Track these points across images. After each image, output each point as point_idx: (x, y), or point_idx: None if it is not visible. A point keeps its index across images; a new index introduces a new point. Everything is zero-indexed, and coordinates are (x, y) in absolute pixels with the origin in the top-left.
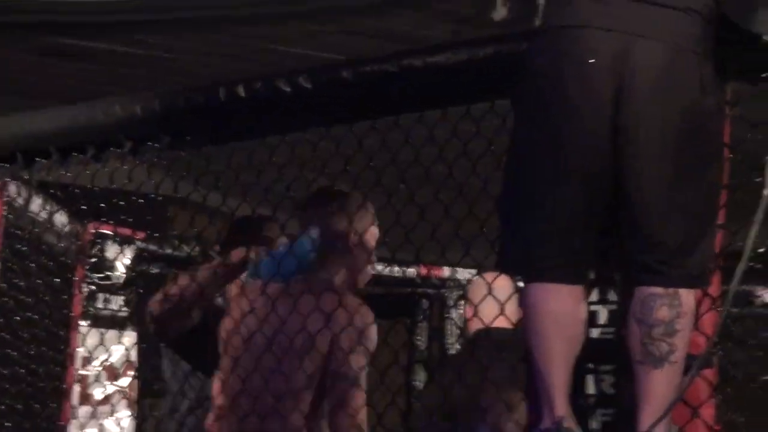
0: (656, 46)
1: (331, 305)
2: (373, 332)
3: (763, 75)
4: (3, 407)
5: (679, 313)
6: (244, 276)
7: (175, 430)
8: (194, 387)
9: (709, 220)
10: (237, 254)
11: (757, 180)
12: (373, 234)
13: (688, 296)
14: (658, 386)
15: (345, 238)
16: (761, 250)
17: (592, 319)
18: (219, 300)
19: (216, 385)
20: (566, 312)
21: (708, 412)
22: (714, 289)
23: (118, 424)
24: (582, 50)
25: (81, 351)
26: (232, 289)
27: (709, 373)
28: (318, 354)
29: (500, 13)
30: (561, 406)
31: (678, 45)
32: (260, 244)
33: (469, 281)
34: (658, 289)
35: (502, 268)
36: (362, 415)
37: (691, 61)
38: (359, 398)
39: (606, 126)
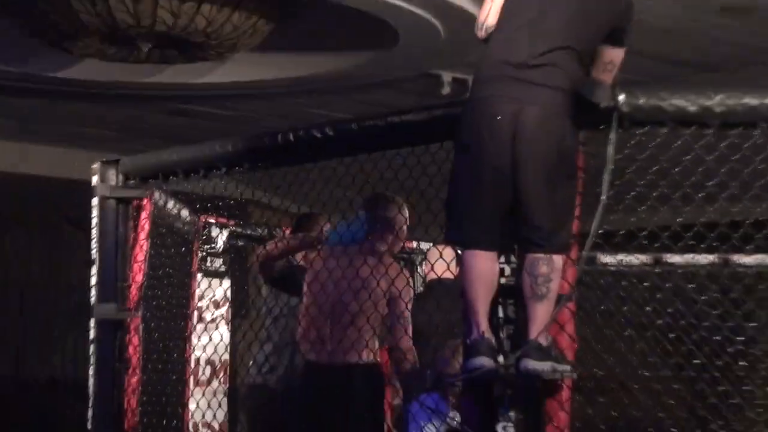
0: (536, 109)
1: (375, 262)
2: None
3: (600, 127)
4: (154, 323)
5: (552, 269)
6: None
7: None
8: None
9: (569, 213)
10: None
11: (597, 190)
12: (401, 221)
13: (558, 259)
14: (540, 313)
15: (384, 222)
16: (600, 231)
17: (501, 272)
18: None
19: (302, 311)
20: (485, 268)
21: (570, 328)
22: (574, 254)
23: (221, 335)
24: (492, 111)
25: (198, 291)
26: (311, 253)
27: (570, 305)
28: (372, 294)
29: (446, 90)
30: (483, 324)
31: (550, 108)
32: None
33: (428, 250)
34: (540, 255)
35: (447, 242)
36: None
37: (557, 118)
38: (408, 332)
39: (507, 155)
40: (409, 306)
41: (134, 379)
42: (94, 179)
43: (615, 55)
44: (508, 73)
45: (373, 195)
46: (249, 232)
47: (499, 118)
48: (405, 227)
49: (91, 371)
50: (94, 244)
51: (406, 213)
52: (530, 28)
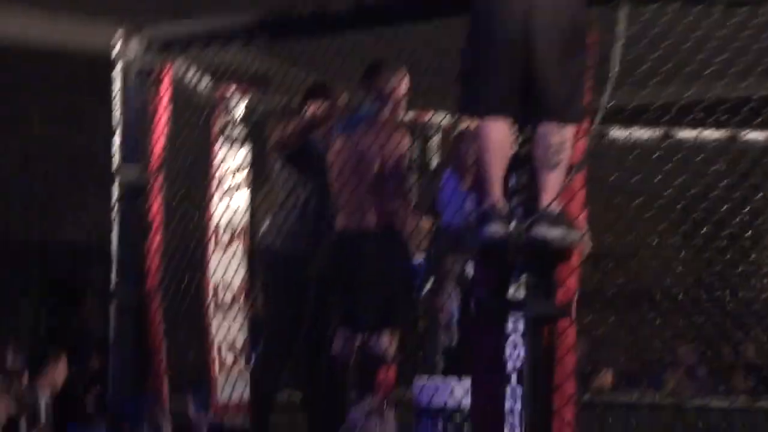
0: None
1: (389, 132)
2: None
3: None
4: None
5: (564, 139)
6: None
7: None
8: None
9: (582, 85)
10: (314, 110)
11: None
12: (403, 88)
13: (570, 130)
14: (552, 181)
15: (388, 97)
16: (610, 104)
17: (515, 141)
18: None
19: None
20: (500, 137)
21: (580, 196)
22: (585, 126)
23: (240, 200)
24: None
25: (217, 159)
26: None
27: (581, 175)
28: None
29: None
30: (497, 192)
31: None
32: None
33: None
34: (553, 124)
35: (462, 111)
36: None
37: None
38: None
39: (521, 25)
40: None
41: (157, 239)
42: (117, 47)
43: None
44: None
45: (369, 66)
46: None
47: None
48: (403, 95)
49: (114, 231)
50: (116, 111)
51: (404, 80)
52: None
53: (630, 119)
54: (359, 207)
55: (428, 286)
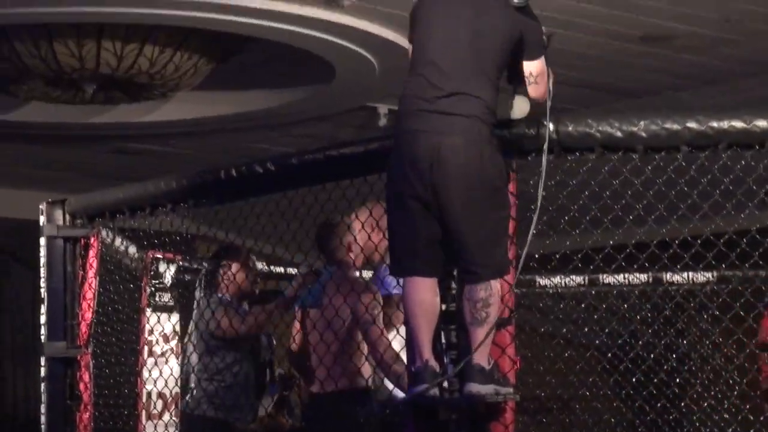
0: (454, 138)
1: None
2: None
3: (530, 155)
4: (105, 359)
5: (490, 294)
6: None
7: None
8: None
9: (501, 238)
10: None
11: (530, 215)
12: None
13: (495, 283)
14: (480, 337)
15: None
16: (536, 255)
17: (445, 299)
18: None
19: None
20: (425, 297)
21: (510, 351)
22: (511, 278)
23: (171, 368)
24: (411, 146)
25: (147, 326)
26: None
27: (510, 328)
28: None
29: (383, 122)
30: (426, 352)
31: (466, 136)
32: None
33: None
34: (473, 280)
35: (392, 274)
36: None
37: (474, 145)
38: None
39: (427, 184)
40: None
41: (86, 416)
42: (42, 219)
43: (533, 67)
44: (424, 107)
45: (318, 228)
46: (195, 266)
47: (417, 151)
48: (356, 242)
49: (42, 409)
50: (42, 283)
51: (348, 227)
52: (439, 60)
53: (557, 267)
54: (332, 370)
55: None
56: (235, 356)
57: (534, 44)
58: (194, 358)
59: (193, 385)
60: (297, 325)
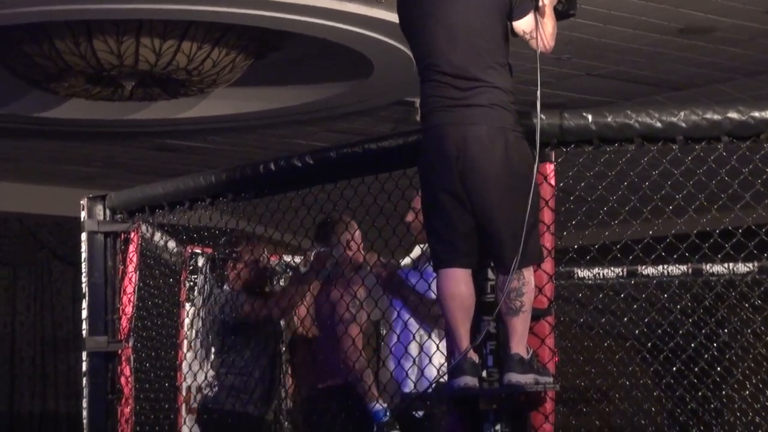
0: (478, 128)
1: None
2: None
3: (570, 146)
4: (145, 353)
5: (523, 283)
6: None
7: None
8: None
9: (531, 225)
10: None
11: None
12: (352, 245)
13: (527, 272)
14: (517, 326)
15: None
16: (575, 246)
17: (484, 290)
18: None
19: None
20: (460, 288)
21: (550, 341)
22: (550, 269)
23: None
24: (441, 137)
25: (186, 320)
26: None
27: (550, 319)
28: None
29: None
30: (464, 343)
31: (489, 125)
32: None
33: None
34: (506, 270)
35: (434, 267)
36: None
37: (499, 133)
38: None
39: (456, 176)
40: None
41: (127, 409)
42: (83, 215)
43: (523, 25)
44: (446, 103)
45: (317, 226)
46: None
47: (444, 144)
48: (353, 242)
49: (84, 403)
50: (84, 278)
51: (352, 229)
52: (447, 61)
53: (596, 259)
54: (318, 364)
55: None
56: (253, 348)
57: (519, 3)
58: (205, 353)
59: (210, 380)
60: (303, 309)
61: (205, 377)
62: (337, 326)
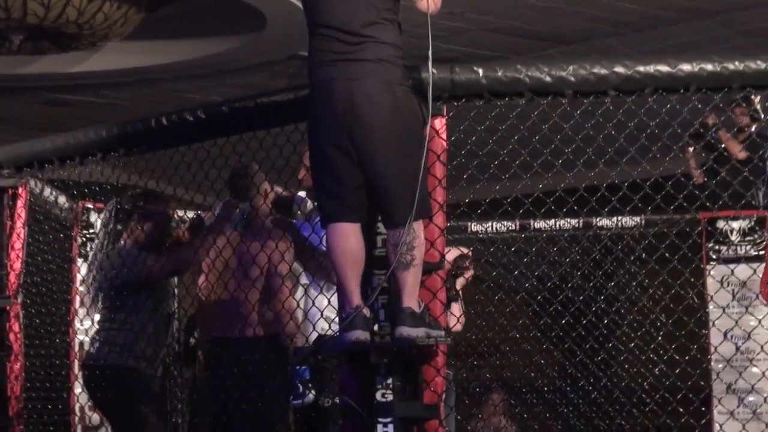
0: (365, 82)
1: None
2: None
3: (462, 100)
4: (35, 309)
5: (414, 237)
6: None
7: None
8: None
9: (420, 181)
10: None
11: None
12: (269, 194)
13: (418, 226)
14: (409, 280)
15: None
16: (467, 201)
17: (374, 244)
18: None
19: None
20: (349, 242)
21: (442, 295)
22: (441, 223)
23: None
24: (327, 92)
25: (78, 276)
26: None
27: (441, 272)
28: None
29: None
30: (355, 297)
31: (376, 79)
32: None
33: None
34: (395, 224)
35: (322, 222)
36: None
37: (386, 87)
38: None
39: (343, 131)
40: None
41: (17, 366)
42: None
43: None
44: (333, 57)
45: (231, 173)
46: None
47: (331, 99)
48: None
49: None
50: None
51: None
52: (336, 17)
53: (487, 213)
54: (237, 314)
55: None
56: (140, 304)
57: None
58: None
59: (93, 335)
60: (207, 262)
61: (91, 332)
62: (272, 278)
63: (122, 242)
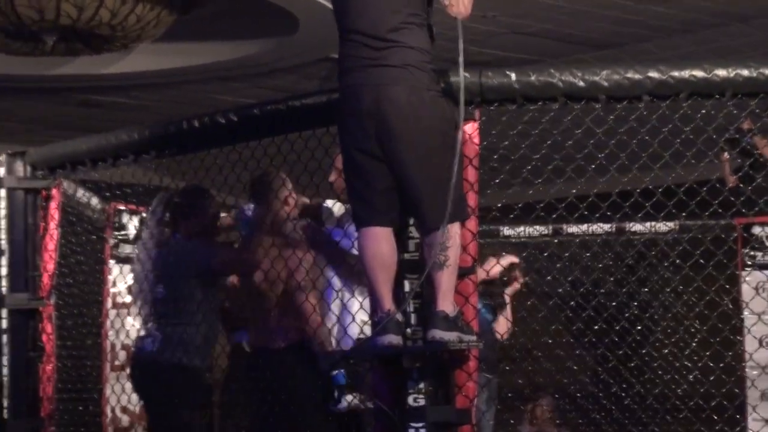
0: (392, 88)
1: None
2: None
3: (494, 104)
4: (68, 311)
5: (447, 237)
6: None
7: None
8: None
9: (453, 183)
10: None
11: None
12: (290, 201)
13: (452, 227)
14: (443, 281)
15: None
16: (499, 205)
17: (407, 247)
18: None
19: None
20: (381, 246)
21: (473, 300)
22: (474, 227)
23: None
24: (355, 97)
25: (110, 277)
26: None
27: (473, 277)
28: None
29: None
30: (387, 302)
31: (404, 85)
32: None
33: None
34: (429, 227)
35: (354, 225)
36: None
37: (414, 93)
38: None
39: (372, 136)
40: (311, 274)
41: (49, 367)
42: (1, 171)
43: None
44: (362, 63)
45: (252, 180)
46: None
47: (359, 105)
48: (288, 193)
49: (5, 360)
50: (3, 235)
51: (284, 182)
52: (365, 22)
53: (519, 217)
54: (268, 325)
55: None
56: (200, 300)
57: None
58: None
59: (150, 331)
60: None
61: (144, 329)
62: (297, 292)
63: (176, 235)
